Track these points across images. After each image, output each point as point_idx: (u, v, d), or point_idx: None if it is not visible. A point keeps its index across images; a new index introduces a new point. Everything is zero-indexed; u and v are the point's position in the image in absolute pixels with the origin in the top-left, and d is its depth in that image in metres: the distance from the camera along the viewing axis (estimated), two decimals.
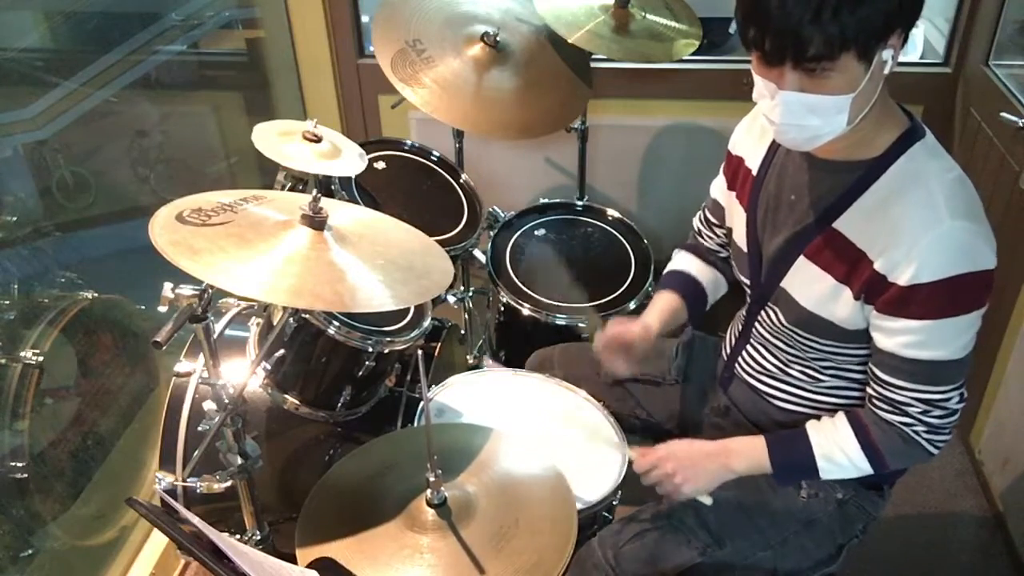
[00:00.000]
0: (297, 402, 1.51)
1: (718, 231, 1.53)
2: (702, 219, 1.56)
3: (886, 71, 1.08)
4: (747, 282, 1.40)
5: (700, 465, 1.31)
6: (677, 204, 2.69)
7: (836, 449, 1.26)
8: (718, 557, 1.36)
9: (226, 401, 1.21)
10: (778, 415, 1.42)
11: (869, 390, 1.26)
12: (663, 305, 1.50)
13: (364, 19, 2.66)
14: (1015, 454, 2.03)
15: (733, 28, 3.48)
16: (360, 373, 1.52)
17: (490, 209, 2.19)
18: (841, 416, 1.28)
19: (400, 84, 1.83)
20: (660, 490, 1.33)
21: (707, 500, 1.33)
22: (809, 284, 1.25)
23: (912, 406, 1.20)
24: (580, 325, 1.96)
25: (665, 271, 1.59)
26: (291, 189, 1.54)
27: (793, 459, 1.29)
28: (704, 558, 1.35)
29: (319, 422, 1.57)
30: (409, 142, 2.11)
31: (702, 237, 1.58)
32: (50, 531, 1.75)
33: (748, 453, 1.31)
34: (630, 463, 1.41)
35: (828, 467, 1.27)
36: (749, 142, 1.38)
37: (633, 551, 1.36)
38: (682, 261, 1.58)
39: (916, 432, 1.21)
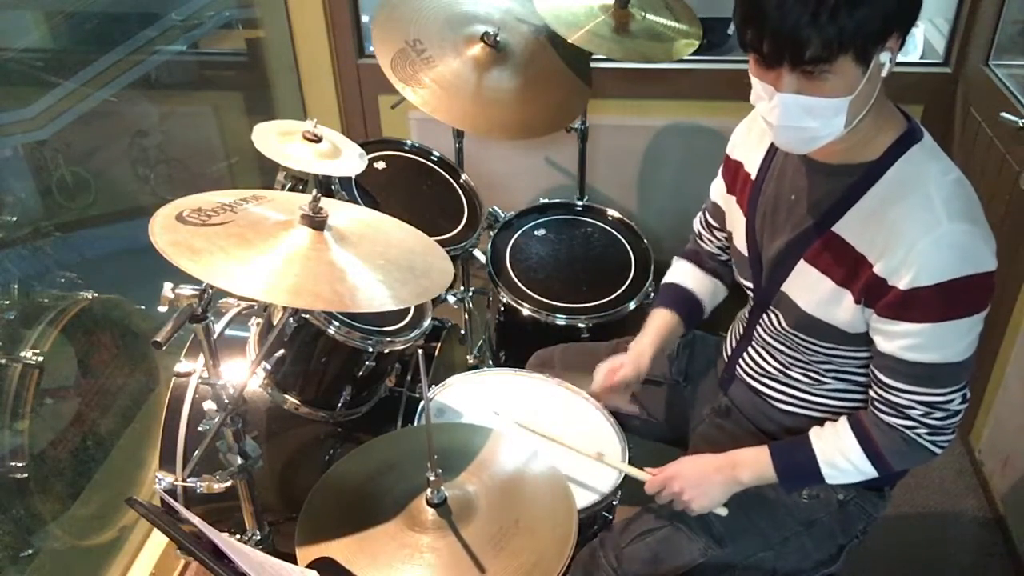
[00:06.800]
0: (297, 402, 1.51)
1: (718, 234, 1.53)
2: (702, 222, 1.56)
3: (884, 73, 1.08)
4: (749, 285, 1.40)
5: (708, 481, 1.32)
6: (677, 204, 2.70)
7: (839, 455, 1.26)
8: (719, 557, 1.36)
9: (226, 401, 1.21)
10: (779, 417, 1.42)
11: (871, 393, 1.26)
12: (659, 326, 1.51)
13: (364, 19, 2.66)
14: (1015, 454, 2.03)
15: (732, 28, 3.48)
16: (360, 373, 1.52)
17: (490, 209, 2.19)
18: (843, 421, 1.28)
19: (400, 84, 1.83)
20: (675, 507, 1.34)
21: (722, 511, 1.34)
22: (809, 288, 1.25)
23: (913, 408, 1.20)
24: (580, 325, 1.96)
25: (663, 282, 1.60)
26: (291, 189, 1.54)
27: (797, 467, 1.30)
28: (705, 558, 1.36)
29: (319, 422, 1.57)
30: (409, 142, 2.11)
31: (702, 240, 1.57)
32: (50, 531, 1.75)
33: (753, 464, 1.31)
34: (628, 478, 1.41)
35: (832, 473, 1.27)
36: (747, 146, 1.38)
37: (635, 551, 1.36)
38: (679, 272, 1.58)
39: (918, 434, 1.21)
